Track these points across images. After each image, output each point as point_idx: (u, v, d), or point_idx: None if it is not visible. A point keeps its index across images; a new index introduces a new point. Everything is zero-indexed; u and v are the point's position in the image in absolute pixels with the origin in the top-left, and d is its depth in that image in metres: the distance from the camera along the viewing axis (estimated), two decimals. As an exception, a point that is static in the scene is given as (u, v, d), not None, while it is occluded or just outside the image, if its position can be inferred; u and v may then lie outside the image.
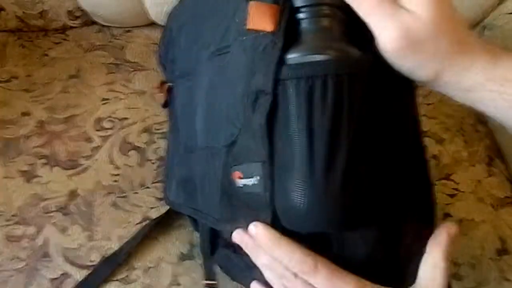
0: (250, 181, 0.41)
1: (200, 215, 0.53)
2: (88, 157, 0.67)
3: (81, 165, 0.67)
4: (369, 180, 0.36)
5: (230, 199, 0.46)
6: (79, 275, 0.56)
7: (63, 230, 0.60)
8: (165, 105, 0.59)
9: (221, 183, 0.46)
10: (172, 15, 0.64)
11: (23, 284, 0.55)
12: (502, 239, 0.65)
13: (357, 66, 0.35)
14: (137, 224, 0.61)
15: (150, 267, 0.58)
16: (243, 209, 0.44)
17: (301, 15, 0.38)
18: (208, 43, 0.47)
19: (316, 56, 0.35)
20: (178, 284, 0.57)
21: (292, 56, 0.36)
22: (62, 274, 0.56)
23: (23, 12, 0.81)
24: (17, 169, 0.65)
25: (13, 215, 0.61)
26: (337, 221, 0.37)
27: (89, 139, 0.70)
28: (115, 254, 0.58)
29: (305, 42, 0.37)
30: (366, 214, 0.37)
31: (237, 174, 0.42)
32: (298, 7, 0.38)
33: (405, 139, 0.40)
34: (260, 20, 0.38)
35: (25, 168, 0.66)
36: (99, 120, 0.72)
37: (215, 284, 0.54)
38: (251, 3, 0.38)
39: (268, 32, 0.37)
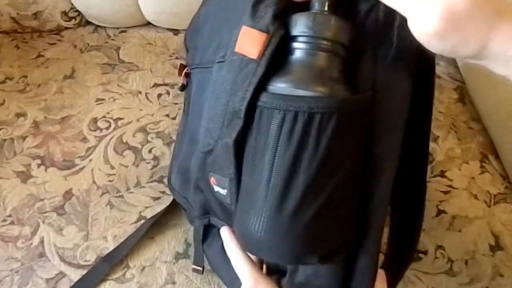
0: (221, 190, 0.42)
1: (189, 208, 0.54)
2: (83, 157, 0.68)
3: (76, 165, 0.67)
4: (322, 218, 0.35)
5: (203, 197, 0.49)
6: (74, 275, 0.57)
7: (59, 230, 0.60)
8: (183, 88, 0.59)
9: (194, 180, 0.48)
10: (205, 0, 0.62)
11: (19, 284, 0.55)
12: (495, 235, 0.66)
13: (333, 106, 0.34)
14: (132, 223, 0.62)
15: (145, 266, 0.58)
16: (217, 209, 0.47)
17: (296, 45, 0.37)
18: (221, 45, 0.46)
19: (295, 90, 0.35)
20: (174, 283, 0.57)
21: (274, 85, 0.36)
22: (58, 274, 0.57)
23: (17, 13, 0.82)
24: (13, 170, 0.66)
25: (8, 216, 0.61)
26: (285, 255, 0.37)
27: (84, 139, 0.70)
28: (113, 253, 0.58)
29: (290, 73, 0.36)
30: (317, 250, 0.36)
31: (212, 180, 0.43)
32: (295, 36, 0.37)
33: (378, 176, 0.39)
34: (247, 45, 0.37)
35: (21, 168, 0.66)
36: (94, 120, 0.72)
37: (200, 270, 0.55)
38: (243, 27, 0.38)
39: (252, 59, 0.37)
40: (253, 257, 0.45)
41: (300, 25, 0.36)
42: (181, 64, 0.60)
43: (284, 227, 0.35)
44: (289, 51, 0.37)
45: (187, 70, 0.58)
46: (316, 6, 0.37)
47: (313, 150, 0.34)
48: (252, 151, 0.37)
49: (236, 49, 0.38)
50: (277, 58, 0.37)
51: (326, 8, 0.37)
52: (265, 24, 0.37)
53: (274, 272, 0.45)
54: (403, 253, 0.51)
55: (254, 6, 0.38)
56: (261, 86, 0.36)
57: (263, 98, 0.36)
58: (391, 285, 0.48)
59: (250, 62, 0.37)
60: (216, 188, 0.43)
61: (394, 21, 0.37)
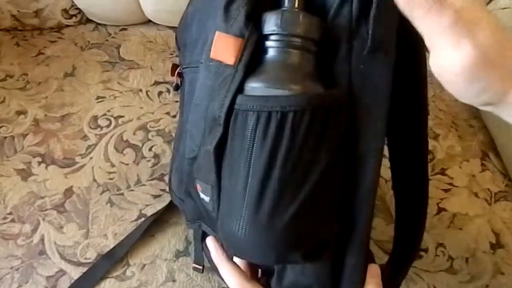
0: (206, 198, 0.42)
1: (184, 210, 0.54)
2: (83, 155, 0.68)
3: (77, 163, 0.67)
4: (302, 216, 0.35)
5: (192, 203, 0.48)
6: (74, 272, 0.57)
7: (59, 228, 0.60)
8: (177, 88, 0.59)
9: (184, 186, 0.48)
10: None
11: (19, 282, 0.55)
12: (496, 233, 0.66)
13: (305, 103, 0.33)
14: (132, 221, 0.62)
15: (145, 264, 0.58)
16: (205, 215, 0.46)
17: (268, 43, 0.36)
18: (207, 44, 0.44)
19: (268, 90, 0.35)
20: (174, 281, 0.57)
21: (248, 86, 0.36)
22: (58, 272, 0.57)
23: (18, 11, 0.82)
24: (13, 168, 0.66)
25: (8, 213, 0.61)
26: (267, 255, 0.36)
27: (84, 137, 0.70)
28: (113, 251, 0.59)
29: (263, 72, 0.36)
30: (298, 248, 0.36)
31: (198, 186, 0.43)
32: (266, 35, 0.36)
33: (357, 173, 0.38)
34: (222, 51, 0.37)
35: (21, 166, 0.66)
36: (94, 118, 0.72)
37: (201, 268, 0.55)
38: (217, 33, 0.37)
39: (229, 64, 0.37)
40: (244, 263, 0.45)
41: (269, 23, 0.36)
42: (173, 64, 0.59)
43: (263, 227, 0.34)
44: (262, 50, 0.37)
45: (179, 70, 0.57)
46: (285, 3, 0.36)
47: (288, 148, 0.33)
48: (229, 154, 0.37)
49: (212, 56, 0.38)
50: (253, 59, 0.36)
51: (295, 5, 0.36)
52: (239, 27, 0.36)
53: (264, 273, 0.45)
54: (407, 251, 0.50)
55: (226, 8, 0.37)
56: (240, 91, 0.36)
57: (238, 100, 0.36)
58: (395, 283, 0.48)
59: (227, 67, 0.37)
60: (202, 195, 0.42)
61: (369, 12, 0.36)
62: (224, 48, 0.37)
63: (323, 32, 0.36)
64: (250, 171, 0.34)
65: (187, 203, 0.50)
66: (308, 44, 0.36)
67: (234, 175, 0.36)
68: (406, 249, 0.50)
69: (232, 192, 0.36)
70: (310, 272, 0.40)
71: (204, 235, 0.53)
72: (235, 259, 0.45)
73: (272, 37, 0.36)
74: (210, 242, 0.46)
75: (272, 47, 0.36)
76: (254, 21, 0.36)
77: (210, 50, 0.38)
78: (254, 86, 0.35)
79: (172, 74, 0.58)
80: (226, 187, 0.38)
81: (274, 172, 0.34)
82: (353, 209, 0.38)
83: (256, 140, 0.34)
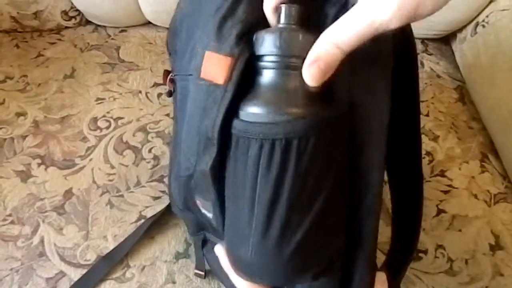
0: (208, 213, 0.41)
1: (185, 219, 0.54)
2: (83, 157, 0.68)
3: (76, 164, 0.67)
4: (310, 239, 0.34)
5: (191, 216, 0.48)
6: (74, 274, 0.57)
7: (59, 229, 0.60)
8: (170, 94, 0.58)
9: (183, 198, 0.47)
10: (180, 1, 0.58)
11: (19, 284, 0.55)
12: (495, 234, 0.65)
13: (310, 127, 0.32)
14: (132, 223, 0.62)
15: (145, 266, 0.58)
16: (209, 226, 0.46)
17: (264, 64, 0.34)
18: (194, 53, 0.43)
19: (269, 115, 0.33)
20: (174, 282, 0.57)
21: (246, 110, 0.34)
22: (58, 273, 0.57)
23: (18, 13, 0.82)
24: (13, 169, 0.66)
25: (8, 215, 0.61)
26: (276, 278, 0.36)
27: (84, 139, 0.70)
28: (112, 252, 0.58)
29: (261, 96, 0.34)
30: (308, 269, 0.36)
31: (198, 202, 0.42)
32: (262, 55, 0.35)
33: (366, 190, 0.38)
34: (212, 71, 0.36)
35: (21, 168, 0.66)
36: (94, 119, 0.73)
37: (203, 274, 0.55)
38: (207, 52, 0.36)
39: (219, 84, 0.35)
40: None
41: (266, 43, 0.34)
42: (165, 70, 0.59)
43: (271, 252, 0.34)
44: (256, 71, 0.35)
45: (172, 76, 0.57)
46: (282, 19, 0.34)
47: (293, 176, 0.32)
48: (231, 178, 0.36)
49: (202, 75, 0.37)
50: (246, 80, 0.35)
51: (292, 21, 0.34)
52: (229, 46, 0.35)
53: None
54: (404, 251, 0.50)
55: (218, 28, 0.36)
56: (232, 111, 0.35)
57: (238, 126, 0.34)
58: (395, 284, 0.48)
59: (217, 87, 0.35)
60: (203, 210, 0.42)
61: None
62: (214, 67, 0.36)
63: None
64: (256, 198, 0.34)
65: (188, 216, 0.50)
66: None
67: (238, 199, 0.35)
68: (403, 250, 0.51)
69: (238, 217, 0.36)
70: (318, 285, 0.40)
71: (204, 243, 0.53)
72: None
73: (269, 58, 0.34)
74: (219, 249, 0.46)
75: (269, 69, 0.34)
76: (245, 39, 0.35)
77: (200, 70, 0.37)
78: (253, 112, 0.34)
79: (165, 81, 0.57)
80: (231, 210, 0.37)
81: (281, 200, 0.33)
82: (359, 221, 0.38)
83: (260, 168, 0.33)
